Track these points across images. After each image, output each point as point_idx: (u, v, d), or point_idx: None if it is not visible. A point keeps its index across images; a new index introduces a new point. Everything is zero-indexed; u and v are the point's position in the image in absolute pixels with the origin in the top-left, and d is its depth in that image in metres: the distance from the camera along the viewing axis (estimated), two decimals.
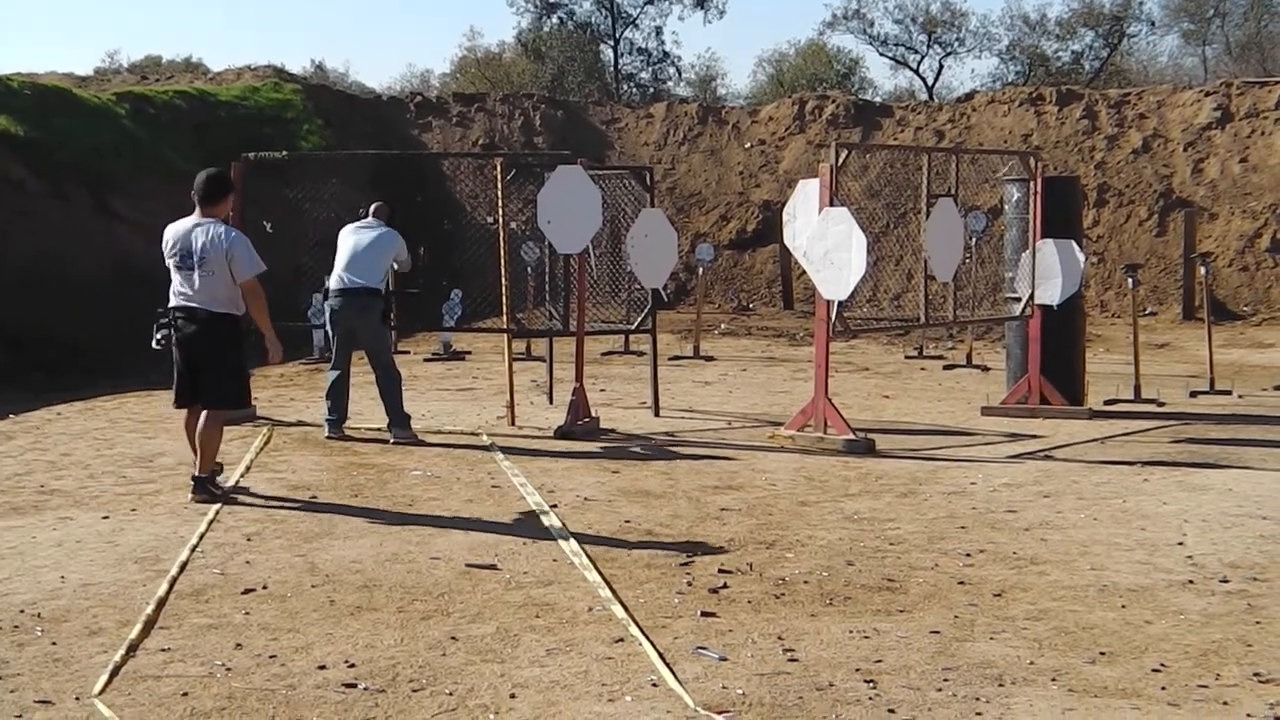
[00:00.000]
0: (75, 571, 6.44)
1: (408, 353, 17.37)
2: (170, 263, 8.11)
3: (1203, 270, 14.95)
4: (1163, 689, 4.85)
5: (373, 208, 10.91)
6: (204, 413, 8.09)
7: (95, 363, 14.41)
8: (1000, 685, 4.88)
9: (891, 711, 4.61)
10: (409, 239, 10.89)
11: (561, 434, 10.69)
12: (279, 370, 14.83)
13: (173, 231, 8.17)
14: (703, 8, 41.96)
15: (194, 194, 8.17)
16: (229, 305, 8.04)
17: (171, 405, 8.45)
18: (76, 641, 5.37)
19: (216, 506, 7.86)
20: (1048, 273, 12.09)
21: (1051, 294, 12.08)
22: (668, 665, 5.05)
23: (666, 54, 43.23)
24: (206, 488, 8.17)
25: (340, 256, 10.54)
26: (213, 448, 8.14)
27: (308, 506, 8.00)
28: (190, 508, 7.89)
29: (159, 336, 8.21)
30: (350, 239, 10.58)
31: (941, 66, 42.63)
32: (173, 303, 8.11)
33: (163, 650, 5.25)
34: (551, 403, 12.68)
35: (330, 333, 10.67)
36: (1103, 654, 5.24)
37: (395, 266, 10.88)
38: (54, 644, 5.33)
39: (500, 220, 11.46)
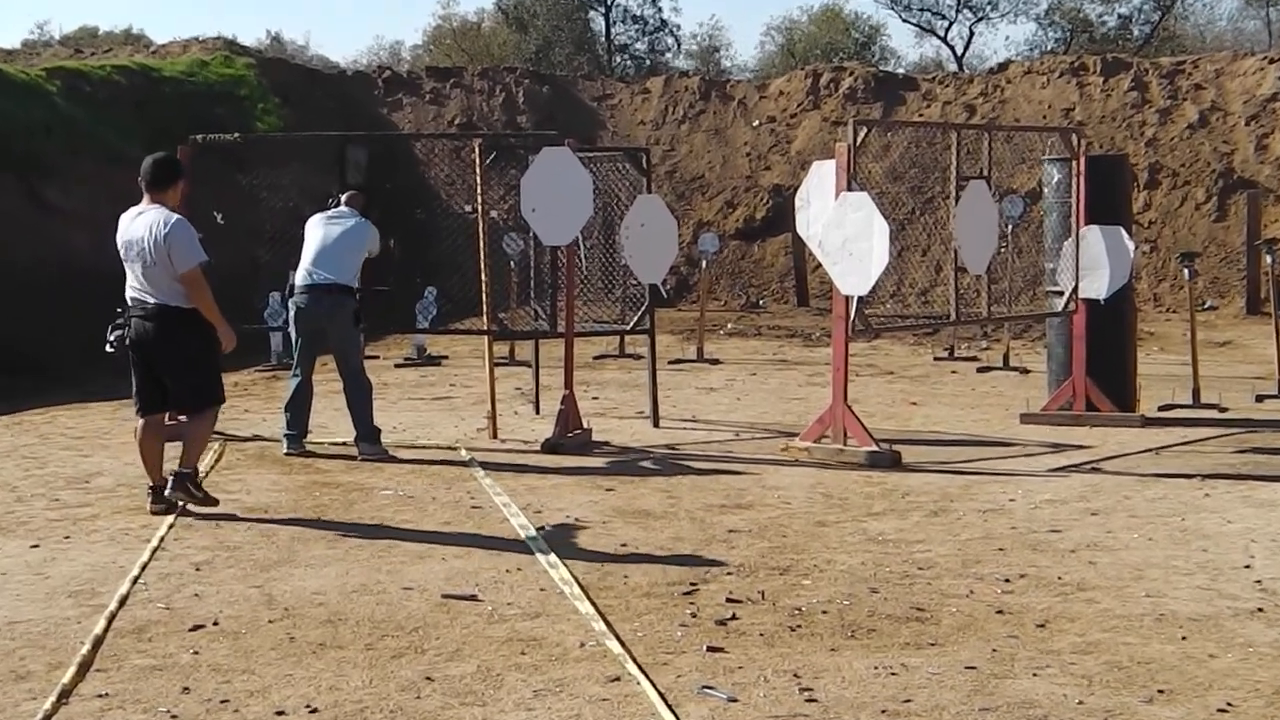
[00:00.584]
0: (0, 608, 6.40)
1: (377, 358, 17.33)
2: (121, 255, 8.29)
3: (1268, 259, 14.90)
4: None
5: (345, 196, 10.90)
6: (191, 416, 8.38)
7: (23, 370, 14.36)
8: None
9: None
10: (378, 230, 10.88)
11: (549, 447, 10.67)
12: (232, 379, 14.78)
13: (122, 221, 8.36)
14: None
15: (140, 180, 8.33)
16: (181, 297, 8.16)
17: (136, 414, 8.50)
18: (0, 687, 5.33)
19: (161, 533, 7.83)
20: (1093, 263, 12.07)
21: (1098, 287, 12.06)
22: (670, 707, 5.02)
23: (664, 22, 43.43)
24: (185, 486, 8.29)
25: (308, 250, 10.52)
26: (199, 444, 8.42)
27: (265, 531, 7.96)
28: (131, 534, 7.85)
29: (112, 338, 8.35)
30: (319, 231, 10.56)
31: (972, 33, 42.79)
32: (127, 298, 8.29)
33: (100, 696, 5.21)
34: (538, 413, 12.65)
35: (293, 334, 10.64)
36: (1161, 692, 5.21)
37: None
38: None
39: (479, 209, 11.43)
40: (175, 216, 8.20)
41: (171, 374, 8.24)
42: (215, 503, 8.47)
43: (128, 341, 8.26)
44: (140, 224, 8.17)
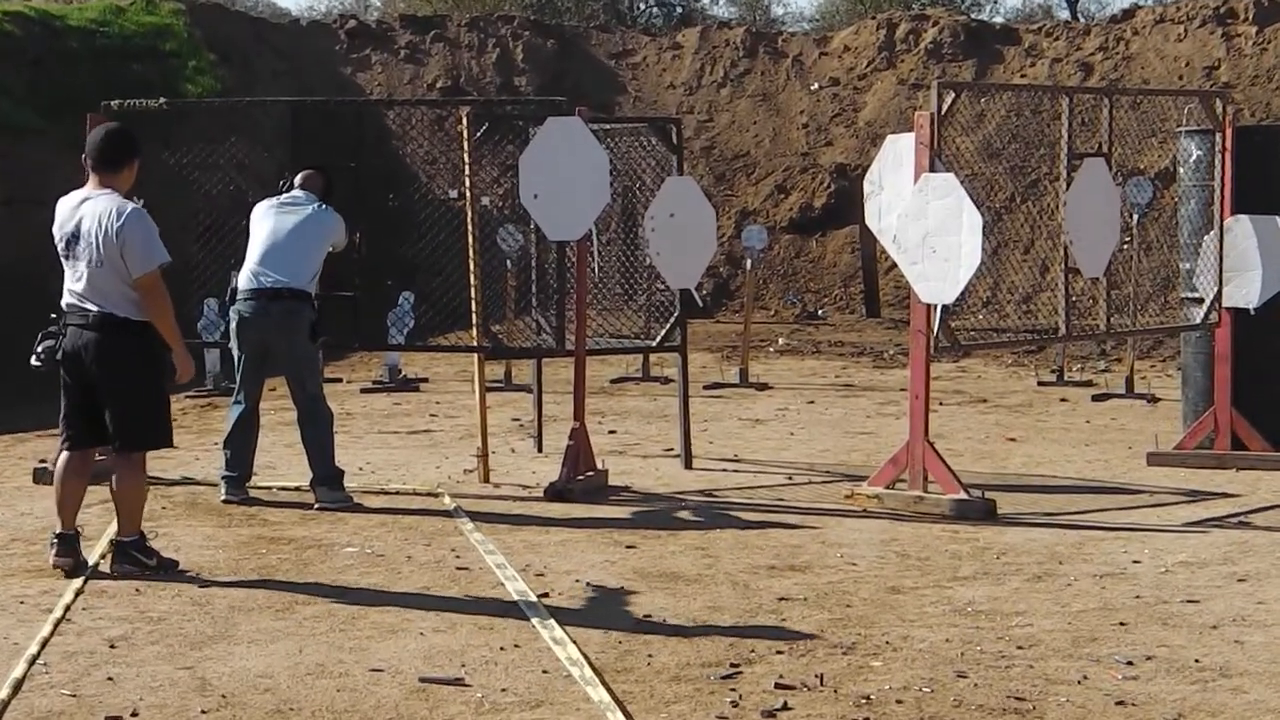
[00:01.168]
0: None
1: (340, 381, 17.41)
2: (59, 249, 8.33)
3: None
4: None
5: (299, 177, 10.87)
6: (116, 458, 8.34)
7: None
8: None
9: None
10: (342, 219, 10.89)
11: (555, 494, 10.69)
12: None
13: (60, 208, 8.41)
14: None
15: (86, 158, 8.40)
16: (133, 307, 8.19)
17: (61, 445, 8.55)
18: None
19: (67, 600, 7.87)
20: (1242, 263, 12.06)
21: (1248, 293, 12.04)
22: None
23: None
24: (133, 556, 8.34)
25: (253, 246, 10.54)
26: (135, 503, 8.40)
27: (197, 599, 7.99)
28: (28, 602, 7.89)
29: (40, 349, 8.38)
30: (268, 222, 10.57)
31: None
32: (63, 303, 8.33)
33: None
34: (540, 450, 12.68)
35: (234, 351, 10.67)
36: None
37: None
38: None
39: (467, 194, 11.48)
40: (131, 206, 8.25)
41: (111, 401, 8.22)
42: (175, 564, 8.53)
43: (59, 355, 8.26)
44: (86, 213, 8.19)
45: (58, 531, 8.46)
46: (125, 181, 8.41)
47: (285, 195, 10.78)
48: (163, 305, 8.20)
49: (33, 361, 8.45)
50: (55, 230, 8.36)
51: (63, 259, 8.33)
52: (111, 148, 8.38)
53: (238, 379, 10.69)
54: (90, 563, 8.57)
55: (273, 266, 10.39)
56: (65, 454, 8.49)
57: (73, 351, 8.24)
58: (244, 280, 10.50)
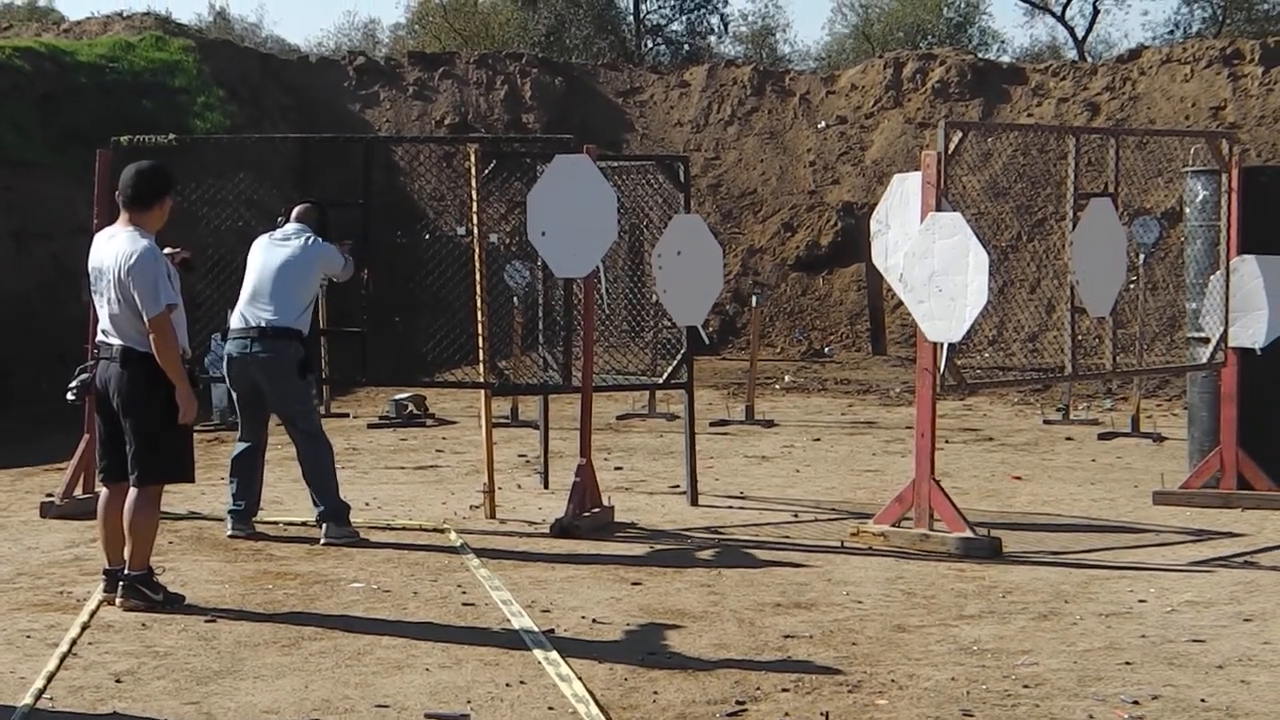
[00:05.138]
0: None
1: (347, 416, 17.44)
2: (90, 285, 8.54)
3: None
4: None
5: (295, 211, 10.91)
6: (130, 491, 8.37)
7: None
8: None
9: None
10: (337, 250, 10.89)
11: (561, 530, 10.70)
12: None
13: (95, 243, 8.61)
14: None
15: (118, 195, 8.51)
16: (151, 343, 8.30)
17: (98, 480, 8.68)
18: None
19: (73, 634, 7.88)
20: (1248, 303, 12.07)
21: (1254, 333, 12.05)
22: None
23: None
24: (140, 591, 8.35)
25: (246, 282, 10.58)
26: (147, 536, 8.42)
27: (203, 634, 8.00)
28: (34, 636, 7.90)
29: (74, 384, 8.62)
30: (258, 258, 10.61)
31: (1097, 11, 42.87)
32: (96, 339, 8.56)
33: None
34: (546, 487, 12.69)
35: (229, 390, 10.71)
36: None
37: (332, 279, 10.95)
38: None
39: (475, 231, 11.50)
40: (142, 245, 8.29)
41: (130, 434, 8.34)
42: (182, 599, 8.56)
43: (91, 390, 8.48)
44: (108, 251, 8.36)
45: (106, 568, 8.57)
46: (156, 220, 8.48)
47: (278, 230, 10.81)
48: (168, 345, 8.25)
49: (68, 396, 8.68)
50: (89, 264, 8.52)
51: (94, 294, 8.48)
52: (144, 185, 8.45)
53: (238, 417, 10.71)
54: (99, 598, 8.59)
55: (259, 304, 10.43)
56: (103, 492, 8.62)
57: (101, 385, 8.42)
58: (234, 319, 10.55)
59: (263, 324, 10.36)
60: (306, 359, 10.53)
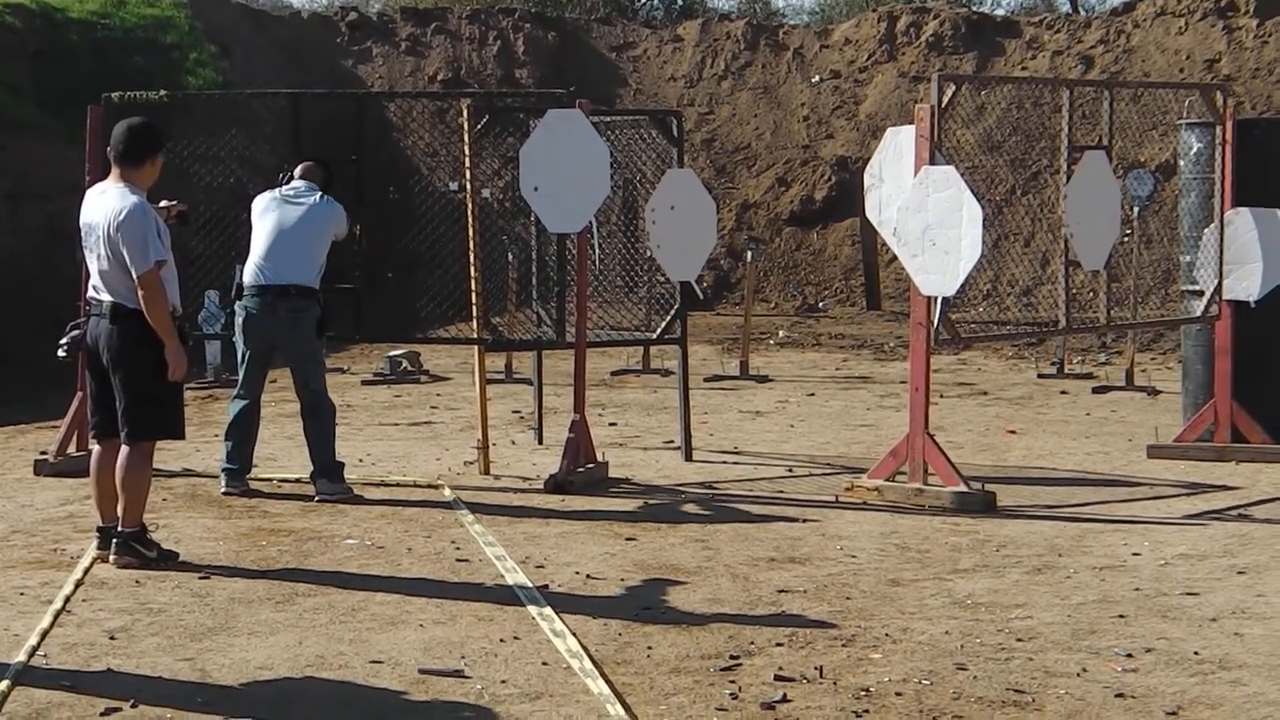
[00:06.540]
0: None
1: (342, 371, 17.42)
2: (81, 241, 8.52)
3: None
4: None
5: (300, 168, 10.83)
6: (122, 449, 8.36)
7: None
8: None
9: None
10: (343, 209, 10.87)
11: (555, 486, 10.69)
12: None
13: (86, 199, 8.59)
14: None
15: (110, 150, 8.47)
16: (139, 299, 8.28)
17: (90, 437, 8.68)
18: None
19: (67, 592, 7.87)
20: (1242, 255, 12.05)
21: (1248, 286, 12.04)
22: None
23: None
24: (133, 548, 8.35)
25: (258, 240, 10.50)
26: (140, 493, 8.43)
27: (197, 590, 7.99)
28: (28, 593, 7.90)
29: (65, 340, 8.58)
30: (272, 215, 10.53)
31: None
32: (87, 294, 8.52)
33: None
34: (541, 443, 12.69)
35: (239, 346, 10.65)
36: None
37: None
38: None
39: (468, 187, 11.47)
40: (132, 201, 8.27)
41: (120, 390, 8.33)
42: (176, 556, 8.56)
43: (80, 346, 8.48)
44: (98, 206, 8.35)
45: (99, 525, 8.58)
46: (147, 176, 8.46)
47: (287, 187, 10.73)
48: (157, 301, 8.23)
49: (60, 353, 8.64)
50: (80, 220, 8.50)
51: (85, 250, 8.46)
52: (135, 141, 8.43)
53: (241, 373, 10.65)
54: (93, 555, 8.59)
55: (279, 262, 10.36)
56: (95, 449, 8.63)
57: (92, 341, 8.41)
58: (249, 276, 10.45)
59: (286, 283, 10.32)
60: (324, 318, 10.53)
